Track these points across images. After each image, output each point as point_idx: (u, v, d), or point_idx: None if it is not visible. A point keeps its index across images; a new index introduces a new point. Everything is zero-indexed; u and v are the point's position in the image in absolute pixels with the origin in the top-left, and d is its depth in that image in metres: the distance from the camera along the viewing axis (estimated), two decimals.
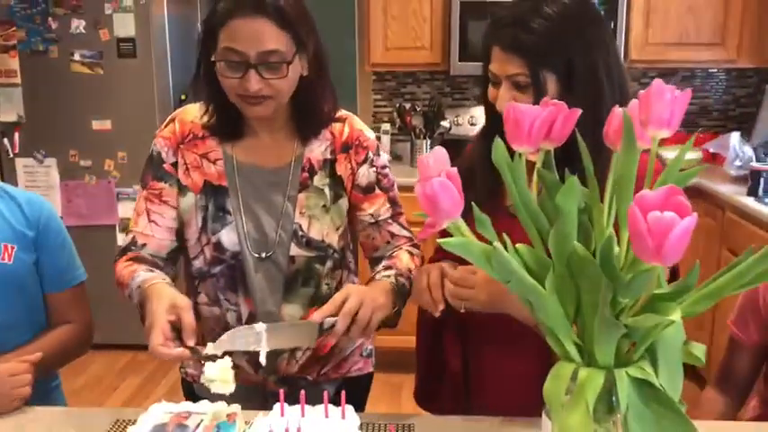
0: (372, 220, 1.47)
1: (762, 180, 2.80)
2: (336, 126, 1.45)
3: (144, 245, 1.42)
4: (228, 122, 1.40)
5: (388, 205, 1.47)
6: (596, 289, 0.86)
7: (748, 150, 3.09)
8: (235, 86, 1.30)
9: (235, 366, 1.36)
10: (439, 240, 0.79)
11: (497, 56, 1.25)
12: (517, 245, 0.87)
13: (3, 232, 1.45)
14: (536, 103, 1.15)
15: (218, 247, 1.41)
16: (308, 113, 1.40)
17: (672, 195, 0.63)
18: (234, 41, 1.27)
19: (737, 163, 3.08)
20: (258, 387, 1.48)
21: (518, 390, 1.23)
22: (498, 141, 0.90)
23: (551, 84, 1.20)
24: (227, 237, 1.40)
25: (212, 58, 1.31)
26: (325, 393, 1.12)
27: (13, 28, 3.53)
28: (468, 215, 0.87)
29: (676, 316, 0.69)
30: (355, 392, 1.22)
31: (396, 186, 1.51)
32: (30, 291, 1.50)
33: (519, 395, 1.22)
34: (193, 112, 1.45)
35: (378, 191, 1.46)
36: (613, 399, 0.88)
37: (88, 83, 3.56)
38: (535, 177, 0.92)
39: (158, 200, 1.42)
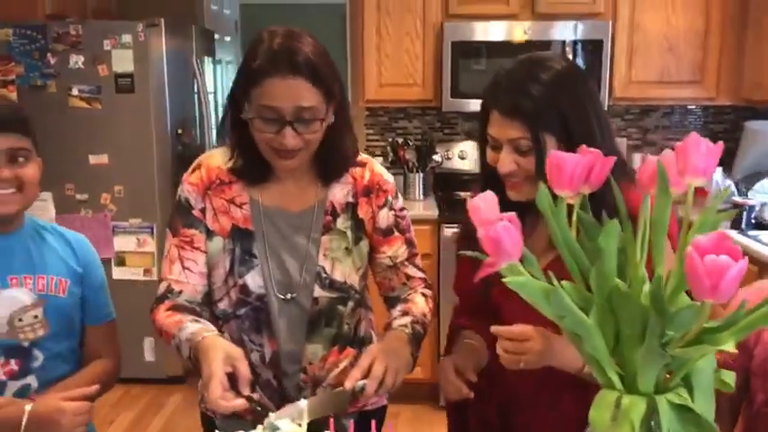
0: (391, 263, 1.53)
1: (744, 213, 2.94)
2: (357, 170, 1.50)
3: (180, 291, 1.46)
4: (255, 168, 1.44)
5: (405, 247, 1.53)
6: (636, 322, 0.94)
7: (729, 184, 3.23)
8: (269, 140, 1.35)
9: (258, 405, 1.42)
10: (506, 280, 0.86)
11: (497, 120, 1.30)
12: (563, 282, 0.95)
13: (58, 268, 1.54)
14: (538, 164, 1.26)
15: (244, 289, 1.44)
16: (331, 158, 1.45)
17: (722, 241, 0.71)
18: (270, 100, 1.31)
19: None
20: None
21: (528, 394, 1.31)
22: (542, 187, 0.98)
23: (551, 144, 1.27)
24: (253, 280, 1.44)
25: (248, 115, 1.35)
26: (351, 423, 1.19)
27: (12, 63, 3.57)
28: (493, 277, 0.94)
29: (731, 346, 0.77)
30: (369, 427, 1.27)
31: (412, 228, 1.57)
32: (76, 324, 1.58)
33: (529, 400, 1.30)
34: (219, 158, 1.48)
35: (396, 233, 1.52)
36: (651, 423, 0.96)
37: (86, 118, 3.61)
38: (574, 219, 1.00)
39: (190, 246, 1.45)
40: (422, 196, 3.76)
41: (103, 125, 3.62)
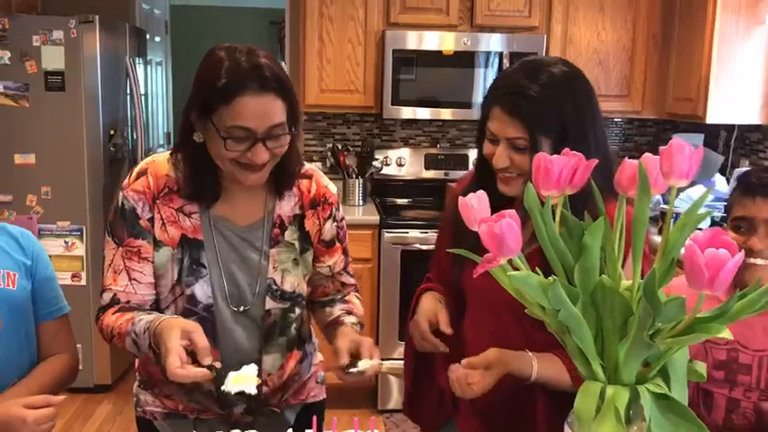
0: (329, 273, 1.57)
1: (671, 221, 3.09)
2: (304, 182, 1.50)
3: (127, 302, 1.43)
4: (208, 188, 1.41)
5: (342, 257, 1.59)
6: (618, 315, 0.99)
7: (657, 198, 3.39)
8: (237, 156, 1.32)
9: (200, 403, 1.47)
10: (510, 273, 0.90)
11: (498, 116, 1.35)
12: (557, 279, 0.99)
13: (4, 262, 1.49)
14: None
15: (192, 299, 1.42)
16: (282, 171, 1.43)
17: (718, 235, 0.77)
18: (242, 119, 1.28)
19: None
20: (225, 419, 1.51)
21: (506, 402, 1.35)
22: (530, 187, 1.02)
23: (546, 146, 1.32)
24: (201, 290, 1.42)
25: (216, 134, 1.30)
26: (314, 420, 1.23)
27: None
28: (464, 260, 0.98)
29: (726, 333, 0.83)
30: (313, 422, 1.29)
31: (347, 236, 1.61)
32: (29, 318, 1.53)
33: (507, 407, 1.34)
34: (167, 165, 1.44)
35: (336, 243, 1.56)
36: (630, 412, 1.01)
37: (12, 116, 3.45)
38: (558, 217, 1.05)
39: (137, 257, 1.42)
40: (361, 202, 3.78)
41: (31, 124, 3.47)
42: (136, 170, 1.45)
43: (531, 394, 1.37)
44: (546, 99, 1.32)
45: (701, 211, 0.92)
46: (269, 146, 1.32)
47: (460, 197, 1.02)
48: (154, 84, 4.78)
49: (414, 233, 3.46)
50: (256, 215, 1.46)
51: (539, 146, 1.31)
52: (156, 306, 1.45)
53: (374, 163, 3.85)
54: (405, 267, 3.46)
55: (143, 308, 1.43)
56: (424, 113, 3.69)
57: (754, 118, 3.37)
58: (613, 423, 0.96)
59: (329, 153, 3.85)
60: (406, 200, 3.93)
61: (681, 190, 3.18)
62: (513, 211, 0.92)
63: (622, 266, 1.05)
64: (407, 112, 3.64)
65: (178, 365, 1.19)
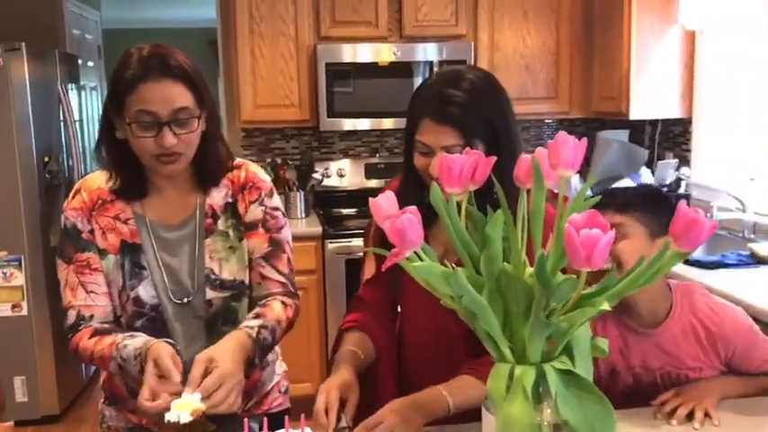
0: (248, 256, 1.53)
1: None
2: (234, 172, 1.55)
3: (92, 316, 1.47)
4: (134, 183, 1.48)
5: (266, 245, 1.54)
6: (522, 300, 1.06)
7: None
8: (149, 146, 1.39)
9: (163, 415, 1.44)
10: (413, 265, 0.95)
11: (429, 127, 1.39)
12: (458, 268, 1.05)
13: None
14: None
15: (138, 301, 1.47)
16: (207, 165, 1.50)
17: (593, 218, 0.84)
18: (146, 104, 1.36)
19: None
20: (188, 428, 1.53)
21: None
22: (434, 186, 1.08)
23: (480, 149, 1.33)
24: (145, 290, 1.47)
25: (125, 124, 1.38)
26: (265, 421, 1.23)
27: None
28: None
29: (606, 306, 0.90)
30: (279, 427, 1.28)
31: (284, 232, 1.57)
32: None
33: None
34: (98, 180, 1.51)
35: (261, 229, 1.53)
36: (540, 389, 1.07)
37: None
38: (463, 212, 1.11)
39: (89, 269, 1.48)
40: (304, 214, 3.81)
41: None
42: (72, 192, 1.53)
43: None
44: (473, 104, 1.38)
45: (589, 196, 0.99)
46: (176, 131, 1.38)
47: (371, 199, 1.07)
48: (89, 108, 4.74)
49: (357, 242, 3.51)
50: (189, 210, 1.52)
51: (474, 146, 1.34)
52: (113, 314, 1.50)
53: (314, 175, 3.89)
54: (350, 276, 3.50)
55: (108, 321, 1.48)
56: (361, 124, 3.76)
57: (674, 112, 3.54)
58: (522, 401, 1.03)
59: (269, 168, 3.88)
60: (350, 210, 3.98)
61: (608, 184, 3.29)
62: (415, 207, 0.97)
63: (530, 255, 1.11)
64: (344, 124, 3.70)
65: (146, 397, 1.26)
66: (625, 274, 0.95)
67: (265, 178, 1.58)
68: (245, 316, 1.53)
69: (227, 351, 1.34)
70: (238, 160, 1.58)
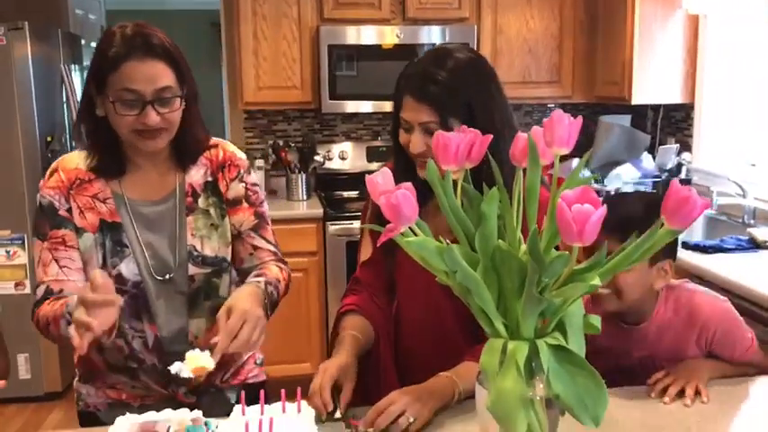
0: (236, 232, 1.58)
1: (601, 198, 3.22)
2: (212, 152, 1.58)
3: (60, 290, 1.46)
4: (113, 161, 1.50)
5: (252, 218, 1.59)
6: (516, 277, 1.07)
7: (588, 174, 3.53)
8: (131, 123, 1.40)
9: (145, 387, 1.51)
10: (406, 240, 0.97)
11: (410, 105, 1.42)
12: (452, 244, 1.07)
13: None
14: None
15: (120, 278, 1.48)
16: (186, 143, 1.53)
17: (586, 193, 0.85)
18: (130, 82, 1.38)
19: None
20: (169, 401, 1.55)
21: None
22: (431, 162, 1.09)
23: (456, 128, 1.37)
24: (127, 268, 1.49)
25: (107, 102, 1.39)
26: (242, 396, 1.24)
27: None
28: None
29: (596, 281, 0.91)
30: (255, 398, 1.29)
31: (265, 205, 1.63)
32: None
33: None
34: (75, 159, 1.52)
35: (244, 204, 1.58)
36: (533, 365, 1.09)
37: None
38: (459, 189, 1.12)
39: (63, 246, 1.48)
40: (305, 196, 3.83)
41: None
42: (48, 171, 1.53)
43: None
44: (452, 82, 1.40)
45: (586, 176, 1.00)
46: (159, 110, 1.40)
47: (367, 176, 1.08)
48: None
49: (358, 224, 3.52)
50: (169, 188, 1.54)
51: (449, 128, 1.36)
52: None
53: (316, 158, 3.90)
54: (351, 258, 3.52)
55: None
56: (363, 107, 3.76)
57: (676, 97, 3.53)
58: (514, 376, 1.04)
59: (270, 150, 3.89)
60: (351, 192, 3.99)
61: (609, 169, 3.30)
62: (410, 184, 0.98)
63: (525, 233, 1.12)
64: (346, 106, 3.71)
65: (72, 334, 1.20)
66: (617, 251, 0.96)
67: (242, 156, 1.62)
68: (225, 292, 1.56)
69: (242, 297, 1.37)
70: (214, 139, 1.61)
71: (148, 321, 1.52)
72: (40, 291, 1.48)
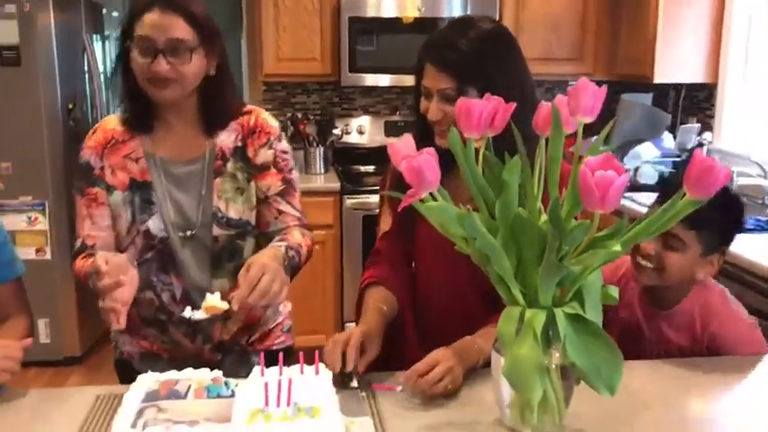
0: (262, 196, 1.62)
1: None
2: (245, 117, 1.62)
3: (93, 245, 1.58)
4: (141, 114, 1.57)
5: (280, 183, 1.62)
6: (535, 245, 1.08)
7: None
8: (144, 70, 1.49)
9: (173, 342, 1.60)
10: (426, 205, 0.97)
11: (430, 72, 1.43)
12: (473, 212, 1.07)
13: None
14: None
15: (148, 234, 1.57)
16: (214, 108, 1.58)
17: (609, 160, 0.85)
18: (147, 30, 1.47)
19: None
20: (196, 357, 1.61)
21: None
22: (454, 130, 1.10)
23: (473, 96, 1.32)
24: (154, 224, 1.57)
25: (126, 44, 1.50)
26: (261, 356, 1.24)
27: None
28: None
29: (618, 247, 0.91)
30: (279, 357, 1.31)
31: (294, 173, 1.65)
32: None
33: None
34: (114, 121, 1.62)
35: (272, 169, 1.61)
36: (550, 333, 1.10)
37: None
38: (481, 157, 1.13)
39: (95, 203, 1.59)
40: (322, 170, 3.83)
41: None
42: (90, 131, 1.65)
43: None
44: (473, 51, 1.40)
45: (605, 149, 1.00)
46: (170, 60, 1.47)
47: (389, 143, 1.09)
48: (111, 59, 4.76)
49: (375, 198, 3.52)
50: (199, 150, 1.59)
51: (467, 95, 1.35)
52: (117, 247, 1.60)
53: (334, 131, 3.90)
54: (367, 232, 3.53)
55: (109, 251, 1.55)
56: (383, 80, 3.74)
57: (698, 77, 3.49)
58: (531, 343, 1.05)
59: (289, 122, 3.89)
60: (369, 167, 3.99)
61: (629, 147, 3.28)
62: (432, 149, 0.99)
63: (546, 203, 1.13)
64: (366, 80, 3.69)
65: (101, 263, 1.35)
66: (638, 221, 0.96)
67: (274, 124, 1.65)
68: (249, 255, 1.59)
69: (262, 255, 1.43)
70: (249, 107, 1.65)
71: (175, 275, 1.58)
72: (77, 243, 1.60)
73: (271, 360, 1.27)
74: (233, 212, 1.58)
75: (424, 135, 1.47)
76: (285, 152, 1.64)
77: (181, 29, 1.47)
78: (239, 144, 1.60)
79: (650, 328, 1.60)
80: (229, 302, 1.37)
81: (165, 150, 1.58)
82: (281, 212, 1.63)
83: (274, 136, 1.62)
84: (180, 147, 1.58)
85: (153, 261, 1.57)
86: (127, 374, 1.60)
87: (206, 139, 1.59)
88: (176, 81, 1.49)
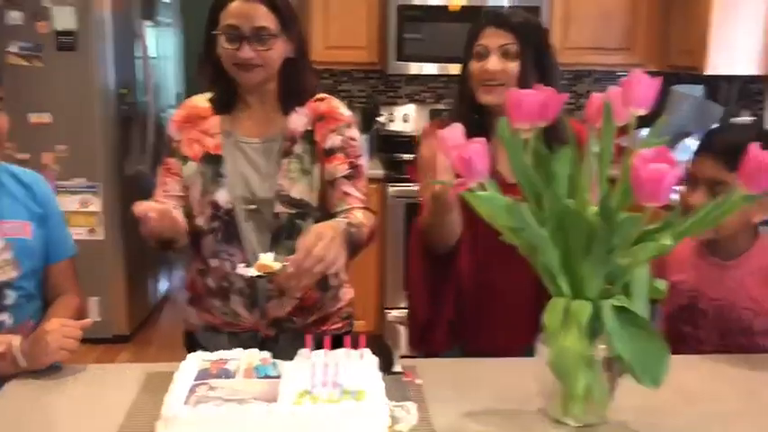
0: (330, 178, 1.65)
1: None
2: (317, 103, 1.69)
3: None
4: (226, 96, 1.68)
5: (346, 168, 1.66)
6: (584, 237, 1.08)
7: None
8: (231, 56, 1.59)
9: (233, 314, 1.68)
10: (477, 194, 0.98)
11: (489, 32, 1.61)
12: (520, 203, 1.08)
13: (19, 212, 1.59)
14: (522, 72, 1.56)
15: (215, 205, 1.66)
16: (291, 89, 1.67)
17: (662, 153, 0.85)
18: (233, 18, 1.57)
19: None
20: (252, 333, 1.70)
21: (506, 334, 1.45)
22: (503, 120, 1.10)
23: (529, 56, 1.58)
24: (222, 196, 1.65)
25: (213, 32, 1.59)
26: (308, 338, 1.26)
27: None
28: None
29: (668, 240, 0.91)
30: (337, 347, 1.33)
31: (362, 160, 1.69)
32: (41, 263, 1.63)
33: (507, 339, 1.44)
34: (198, 99, 1.75)
35: (340, 154, 1.66)
36: (596, 325, 1.10)
37: (25, 76, 3.53)
38: (530, 148, 1.13)
39: (169, 173, 1.71)
40: (366, 157, 3.85)
41: (45, 83, 3.55)
42: (180, 106, 1.78)
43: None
44: (529, 20, 1.66)
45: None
46: (255, 46, 1.57)
47: (439, 132, 1.10)
48: (163, 46, 4.84)
49: (417, 186, 3.54)
50: (272, 131, 1.68)
51: (525, 52, 1.58)
52: (187, 215, 1.67)
53: (379, 119, 3.91)
54: (409, 220, 3.54)
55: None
56: (428, 68, 3.74)
57: (752, 69, 3.40)
58: (576, 335, 1.06)
59: None
60: (413, 155, 3.98)
61: (679, 140, 3.22)
62: (483, 139, 1.00)
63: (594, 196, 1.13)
64: (411, 68, 3.69)
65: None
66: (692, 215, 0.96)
67: (346, 112, 1.71)
68: None
69: (323, 225, 1.44)
70: (324, 95, 1.72)
71: (238, 247, 1.66)
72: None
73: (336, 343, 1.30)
74: (296, 192, 1.64)
75: (467, 114, 1.59)
76: (353, 139, 1.69)
77: (263, 16, 1.57)
78: (309, 128, 1.67)
79: (708, 287, 1.57)
80: (284, 265, 1.40)
81: (241, 129, 1.68)
82: (346, 194, 1.66)
83: (344, 123, 1.68)
84: (256, 126, 1.68)
85: (219, 231, 1.66)
86: (191, 346, 1.73)
87: (281, 119, 1.67)
88: (261, 66, 1.59)
